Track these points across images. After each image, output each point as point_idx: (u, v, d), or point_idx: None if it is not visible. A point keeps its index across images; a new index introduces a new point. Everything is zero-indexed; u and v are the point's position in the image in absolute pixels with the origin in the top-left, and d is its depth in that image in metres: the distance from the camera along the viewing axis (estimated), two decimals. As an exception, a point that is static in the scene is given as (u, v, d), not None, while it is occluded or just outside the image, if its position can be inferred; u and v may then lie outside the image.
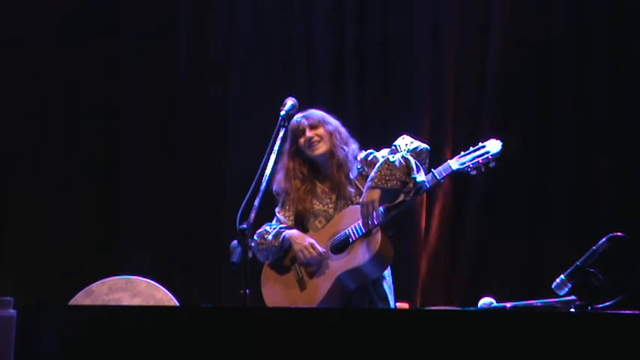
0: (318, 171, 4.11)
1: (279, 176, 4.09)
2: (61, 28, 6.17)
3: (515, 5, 5.79)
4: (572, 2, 5.72)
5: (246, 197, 3.53)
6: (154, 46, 6.20)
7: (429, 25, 5.89)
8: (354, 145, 4.09)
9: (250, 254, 3.45)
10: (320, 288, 3.91)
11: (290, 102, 3.94)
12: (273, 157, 3.72)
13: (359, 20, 5.98)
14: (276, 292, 4.04)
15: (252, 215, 3.50)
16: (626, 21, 5.63)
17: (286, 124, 3.91)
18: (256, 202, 3.55)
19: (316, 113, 4.11)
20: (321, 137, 4.04)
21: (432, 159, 3.96)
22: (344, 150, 4.04)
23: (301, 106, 4.01)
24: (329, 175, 4.07)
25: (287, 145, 4.06)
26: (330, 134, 4.06)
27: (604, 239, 3.30)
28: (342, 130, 4.11)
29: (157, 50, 6.20)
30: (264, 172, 3.65)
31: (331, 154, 4.03)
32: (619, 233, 3.31)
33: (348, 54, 5.96)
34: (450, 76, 5.84)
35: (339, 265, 3.91)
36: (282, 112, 3.88)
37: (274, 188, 4.09)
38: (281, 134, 3.83)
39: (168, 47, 6.18)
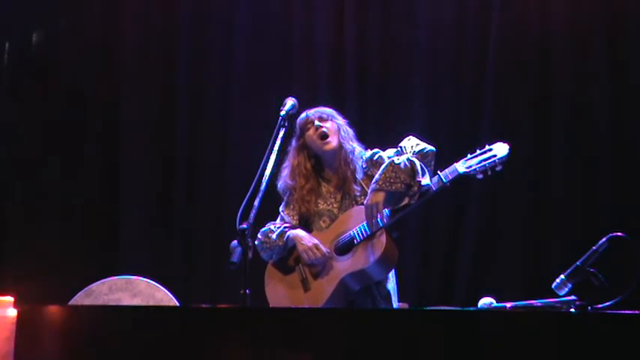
0: (324, 168, 4.11)
1: (285, 173, 4.09)
2: (61, 29, 6.17)
3: (516, 5, 5.79)
4: (572, 2, 5.72)
5: (246, 197, 3.53)
6: (154, 47, 6.20)
7: (429, 25, 5.89)
8: (358, 147, 4.09)
9: (251, 254, 3.45)
10: (324, 289, 3.91)
11: (290, 102, 3.94)
12: (273, 157, 3.71)
13: (359, 20, 5.98)
14: (279, 292, 4.04)
15: (252, 215, 3.50)
16: (626, 21, 5.63)
17: (286, 124, 3.90)
18: (256, 202, 3.54)
19: (326, 109, 4.13)
20: (329, 130, 4.04)
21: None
22: (351, 145, 4.05)
23: (301, 106, 4.02)
24: (335, 171, 4.06)
25: (293, 142, 4.07)
26: (339, 128, 4.06)
27: (604, 239, 3.29)
28: (349, 129, 4.12)
29: (157, 50, 6.20)
30: (264, 172, 3.64)
31: (340, 147, 4.03)
32: (619, 233, 3.31)
33: (348, 54, 5.96)
34: (449, 76, 5.85)
35: (343, 266, 3.90)
36: (282, 112, 3.88)
37: (279, 186, 4.08)
38: (281, 134, 3.81)
39: (168, 47, 6.18)
